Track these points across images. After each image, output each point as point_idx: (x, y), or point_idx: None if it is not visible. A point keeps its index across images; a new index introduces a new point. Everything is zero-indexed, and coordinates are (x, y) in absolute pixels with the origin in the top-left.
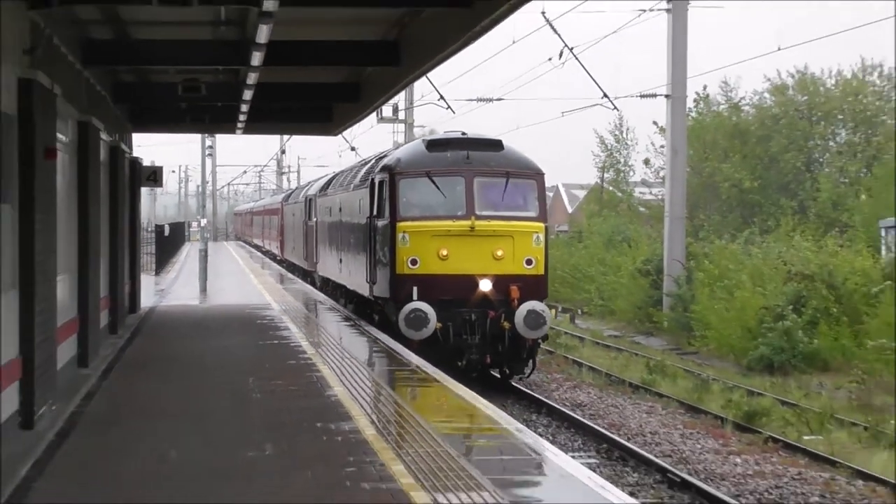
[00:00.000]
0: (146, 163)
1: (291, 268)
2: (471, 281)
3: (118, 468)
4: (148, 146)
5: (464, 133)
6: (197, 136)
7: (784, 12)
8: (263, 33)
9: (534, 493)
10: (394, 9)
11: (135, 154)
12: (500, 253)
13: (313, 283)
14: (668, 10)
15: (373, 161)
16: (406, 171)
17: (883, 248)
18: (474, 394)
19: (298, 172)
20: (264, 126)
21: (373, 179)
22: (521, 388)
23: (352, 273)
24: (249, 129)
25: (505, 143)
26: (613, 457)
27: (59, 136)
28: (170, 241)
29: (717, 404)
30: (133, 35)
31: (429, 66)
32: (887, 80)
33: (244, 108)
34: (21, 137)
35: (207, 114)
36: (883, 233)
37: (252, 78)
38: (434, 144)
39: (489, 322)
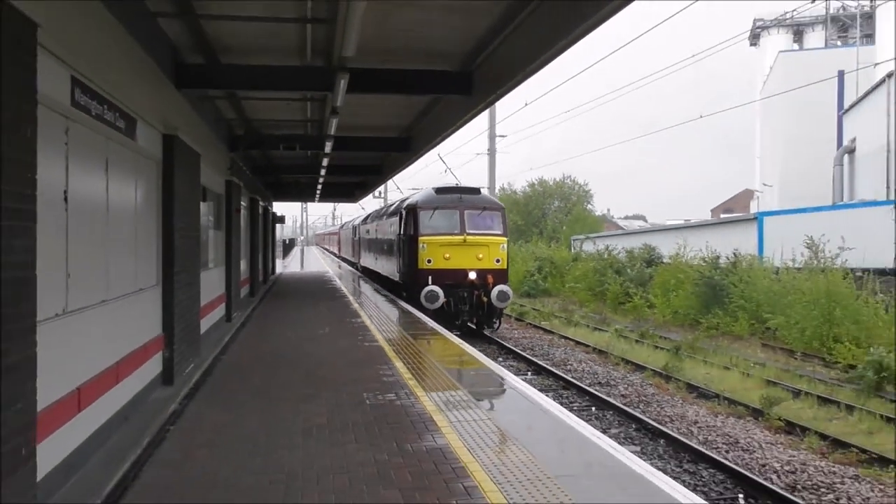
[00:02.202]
0: (279, 213)
1: (343, 260)
2: (464, 273)
3: (265, 333)
4: (280, 206)
5: (457, 184)
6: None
7: (534, 148)
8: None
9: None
10: (410, 112)
11: (275, 209)
12: (481, 255)
13: (355, 267)
14: (488, 153)
15: (396, 203)
16: (424, 206)
17: (572, 248)
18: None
19: (341, 216)
20: (324, 198)
21: (401, 212)
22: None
23: (384, 266)
24: (320, 199)
25: (482, 190)
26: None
27: (242, 203)
28: (289, 247)
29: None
30: (275, 162)
31: (426, 150)
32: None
33: (319, 187)
34: (226, 203)
35: (303, 191)
36: (573, 243)
37: (324, 161)
38: (440, 191)
39: (475, 297)
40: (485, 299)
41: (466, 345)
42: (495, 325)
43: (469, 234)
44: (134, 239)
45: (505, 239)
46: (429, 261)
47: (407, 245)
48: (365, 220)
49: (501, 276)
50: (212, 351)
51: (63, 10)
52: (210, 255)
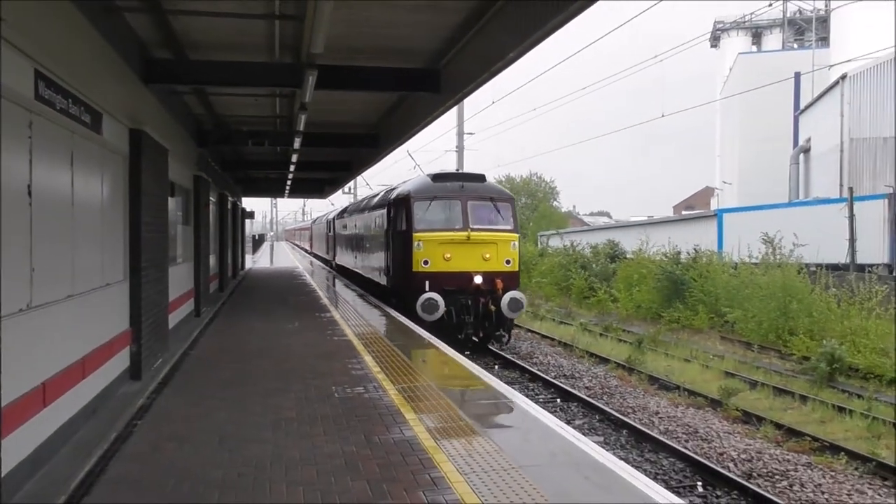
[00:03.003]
0: (248, 208)
1: (316, 257)
2: (467, 276)
3: (233, 326)
4: (249, 201)
5: (458, 169)
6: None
7: (502, 146)
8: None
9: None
10: (378, 109)
11: (244, 205)
12: (487, 255)
13: (329, 265)
14: (456, 150)
15: (382, 192)
16: (418, 196)
17: (539, 244)
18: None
19: (311, 212)
20: (294, 194)
21: (389, 203)
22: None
23: (367, 267)
24: (290, 195)
25: (487, 177)
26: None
27: (211, 198)
28: (259, 242)
29: None
30: (245, 158)
31: (394, 147)
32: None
33: (288, 183)
34: (195, 199)
35: (273, 187)
36: (539, 239)
37: (294, 157)
38: (437, 177)
39: (481, 305)
40: (492, 308)
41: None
42: (504, 340)
43: (473, 229)
44: (100, 234)
45: (516, 236)
46: (425, 262)
47: (398, 243)
48: (342, 214)
49: (512, 279)
50: (180, 346)
51: (27, 4)
52: (178, 251)
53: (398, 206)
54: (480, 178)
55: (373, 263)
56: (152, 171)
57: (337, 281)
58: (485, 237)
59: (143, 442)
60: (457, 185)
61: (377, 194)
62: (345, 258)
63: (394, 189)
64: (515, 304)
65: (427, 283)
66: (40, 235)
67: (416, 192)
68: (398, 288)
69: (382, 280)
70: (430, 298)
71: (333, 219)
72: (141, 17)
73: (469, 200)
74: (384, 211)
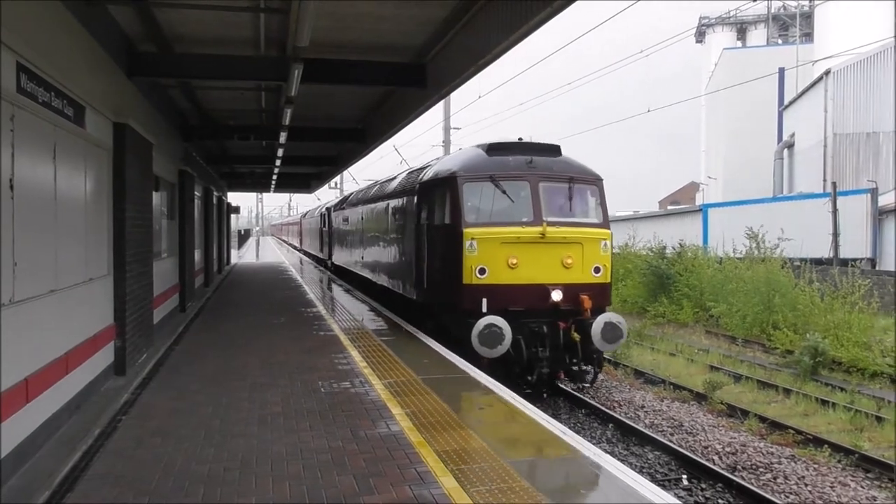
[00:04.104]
0: (234, 203)
1: (306, 254)
2: (541, 290)
3: (221, 322)
4: (235, 196)
5: (520, 138)
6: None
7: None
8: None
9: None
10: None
11: (230, 199)
12: (570, 261)
13: (323, 265)
14: (443, 145)
15: (404, 175)
16: (469, 175)
17: None
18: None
19: (296, 207)
20: (280, 189)
21: (421, 187)
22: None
23: (383, 272)
24: (276, 190)
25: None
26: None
27: (196, 193)
28: (244, 237)
29: None
30: (230, 152)
31: (381, 141)
32: None
33: (274, 177)
34: (179, 193)
35: (259, 182)
36: None
37: (280, 151)
38: (494, 149)
39: (561, 334)
40: (576, 337)
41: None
42: (589, 377)
43: (550, 223)
44: (84, 228)
45: (608, 233)
46: (481, 271)
47: (437, 243)
48: (341, 205)
49: (603, 295)
50: (165, 341)
51: None
52: (163, 245)
53: (435, 191)
54: (554, 149)
55: (391, 270)
56: (137, 166)
57: (333, 284)
58: (566, 234)
59: (128, 437)
60: (522, 159)
61: (393, 177)
62: (345, 258)
63: (425, 168)
64: (613, 332)
65: (485, 301)
66: (22, 230)
67: (465, 169)
68: (438, 307)
69: (410, 293)
70: (492, 326)
71: (329, 211)
72: (125, 10)
73: (541, 181)
74: (410, 198)
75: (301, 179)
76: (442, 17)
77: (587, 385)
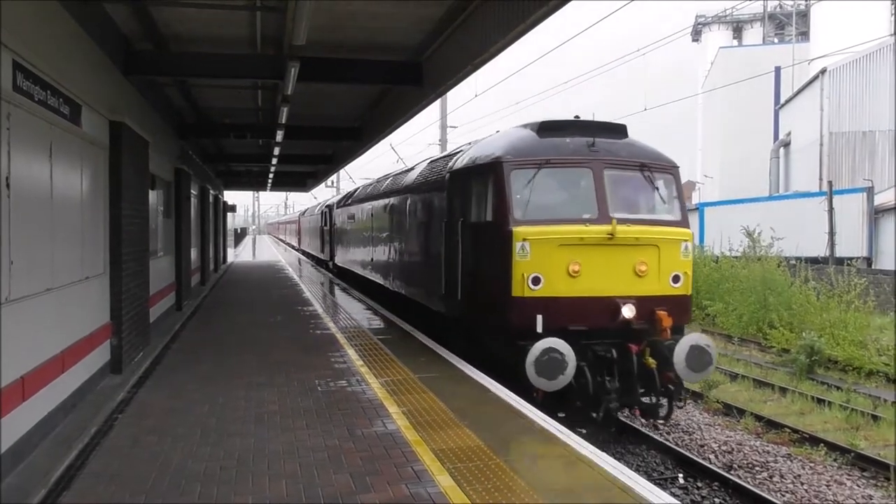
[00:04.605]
0: (230, 202)
1: (305, 254)
2: (609, 305)
3: (214, 322)
4: (231, 194)
5: (577, 117)
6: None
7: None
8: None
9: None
10: (361, 102)
11: (226, 199)
12: (643, 268)
13: (325, 266)
14: (439, 143)
15: (428, 163)
16: (519, 161)
17: None
18: None
19: (293, 205)
20: (276, 187)
21: (453, 176)
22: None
23: (401, 278)
24: (272, 188)
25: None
26: None
27: (192, 191)
28: (241, 236)
29: None
30: (226, 150)
31: (378, 140)
32: None
33: (271, 176)
34: (176, 192)
35: (255, 180)
36: None
37: (276, 150)
38: (547, 128)
39: (635, 359)
40: (652, 363)
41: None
42: (663, 412)
43: (619, 220)
44: (80, 226)
45: (689, 233)
46: (535, 280)
47: (476, 245)
48: (346, 201)
49: (682, 310)
50: (162, 339)
51: None
52: (159, 244)
53: (473, 181)
54: (619, 129)
55: (410, 275)
56: (133, 164)
57: (332, 283)
58: (639, 235)
59: (124, 436)
60: (582, 141)
61: (410, 169)
62: (351, 259)
63: (455, 154)
64: (700, 358)
65: (539, 318)
66: (18, 228)
67: (512, 153)
68: (475, 324)
69: (436, 304)
70: (552, 352)
71: (331, 208)
72: (121, 8)
73: (606, 169)
74: (436, 191)
75: (297, 178)
76: (438, 16)
77: (661, 422)
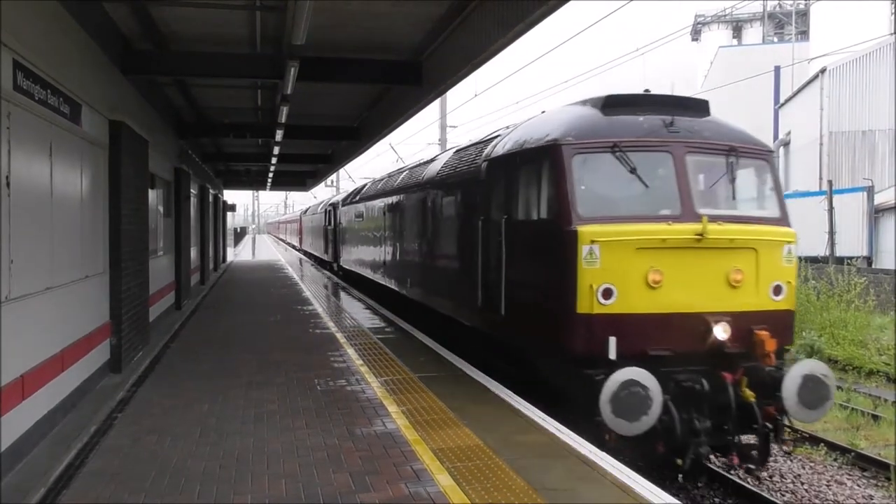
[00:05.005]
0: (230, 201)
1: (307, 255)
2: (698, 323)
3: (218, 321)
4: (231, 194)
5: (647, 90)
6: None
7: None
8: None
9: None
10: (361, 102)
11: (225, 198)
12: (738, 277)
13: (329, 268)
14: (439, 143)
15: (453, 151)
16: (582, 143)
17: None
18: None
19: (293, 204)
20: (276, 187)
21: (493, 165)
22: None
23: (422, 285)
24: (271, 188)
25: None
26: None
27: (192, 190)
28: (240, 235)
29: None
30: (226, 150)
31: (377, 139)
32: None
33: (270, 175)
34: (175, 191)
35: (255, 180)
36: None
37: (275, 149)
38: (614, 104)
39: (731, 390)
40: (751, 396)
41: None
42: (757, 460)
43: (710, 217)
44: (80, 226)
45: (793, 233)
46: (607, 292)
47: (527, 248)
48: (353, 199)
49: (785, 329)
50: (161, 339)
51: None
52: (159, 243)
53: (520, 170)
54: (701, 106)
55: (435, 282)
56: (132, 163)
57: (331, 283)
58: (733, 235)
59: (124, 435)
60: (657, 120)
61: (431, 159)
62: (360, 261)
63: (492, 139)
64: (817, 392)
65: (613, 340)
66: (18, 227)
67: (574, 134)
68: (524, 345)
69: (471, 319)
70: (633, 385)
71: (336, 207)
72: (121, 7)
73: (689, 153)
74: (469, 184)
75: (297, 177)
76: (438, 15)
77: (758, 470)
